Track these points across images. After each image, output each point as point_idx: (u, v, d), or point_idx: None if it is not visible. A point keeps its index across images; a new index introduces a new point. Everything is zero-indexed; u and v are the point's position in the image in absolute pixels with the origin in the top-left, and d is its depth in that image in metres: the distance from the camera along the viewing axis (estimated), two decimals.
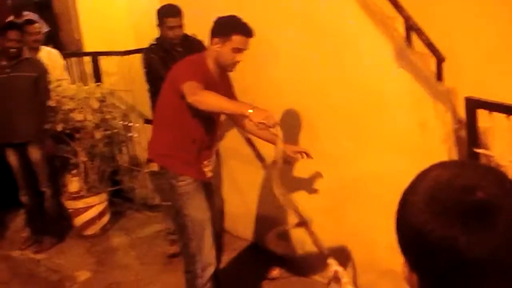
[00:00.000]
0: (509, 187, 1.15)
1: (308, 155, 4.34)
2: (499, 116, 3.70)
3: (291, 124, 4.94)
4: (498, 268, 1.11)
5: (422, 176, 1.20)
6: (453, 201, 1.12)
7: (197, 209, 4.13)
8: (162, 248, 6.01)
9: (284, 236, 5.18)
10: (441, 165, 1.23)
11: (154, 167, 4.21)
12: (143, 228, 6.64)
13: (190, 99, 3.78)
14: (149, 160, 4.25)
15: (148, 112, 6.31)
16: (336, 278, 4.14)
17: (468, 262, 1.10)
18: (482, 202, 1.10)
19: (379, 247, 4.50)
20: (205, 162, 4.23)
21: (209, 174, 4.28)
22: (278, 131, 3.87)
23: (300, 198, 4.86)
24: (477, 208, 1.10)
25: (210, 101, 3.81)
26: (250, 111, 3.66)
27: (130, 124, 7.02)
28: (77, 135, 6.46)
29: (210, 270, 4.17)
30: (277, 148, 3.94)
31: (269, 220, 5.38)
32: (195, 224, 4.11)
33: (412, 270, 1.19)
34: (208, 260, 4.16)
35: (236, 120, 4.49)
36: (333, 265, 4.23)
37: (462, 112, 3.96)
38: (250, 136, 5.12)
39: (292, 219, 5.13)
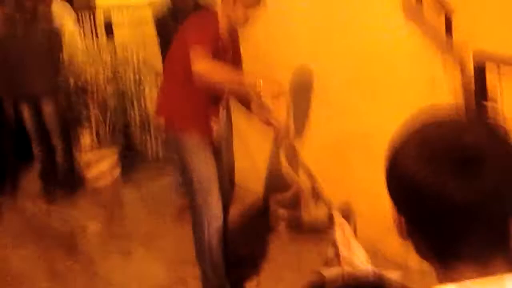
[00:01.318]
0: (497, 135, 1.18)
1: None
2: (507, 69, 3.69)
3: (301, 80, 4.94)
4: (485, 213, 1.14)
5: (412, 125, 1.24)
6: (442, 148, 1.15)
7: (203, 164, 4.14)
8: (173, 201, 6.05)
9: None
10: (430, 115, 1.25)
11: (162, 122, 4.23)
12: (155, 181, 6.68)
13: (197, 68, 3.74)
14: (156, 115, 4.26)
15: (160, 66, 6.30)
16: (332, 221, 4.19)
17: (455, 207, 1.13)
18: (470, 147, 1.14)
19: (384, 203, 4.50)
20: (213, 118, 4.23)
21: (217, 132, 4.28)
22: (286, 103, 3.93)
23: (307, 150, 4.88)
24: (465, 154, 1.13)
25: (214, 76, 3.80)
26: (259, 83, 3.71)
27: (142, 78, 7.01)
28: (89, 88, 6.47)
29: (217, 223, 4.20)
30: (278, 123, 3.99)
31: (279, 175, 5.40)
32: (202, 179, 4.13)
33: (401, 213, 1.23)
34: (214, 214, 4.18)
35: (241, 98, 4.43)
36: (336, 216, 4.28)
37: (470, 66, 3.95)
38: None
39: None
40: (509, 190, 1.16)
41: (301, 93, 4.99)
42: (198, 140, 4.13)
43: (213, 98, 4.18)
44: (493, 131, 1.19)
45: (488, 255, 1.16)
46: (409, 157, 1.18)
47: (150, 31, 6.08)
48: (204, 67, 3.74)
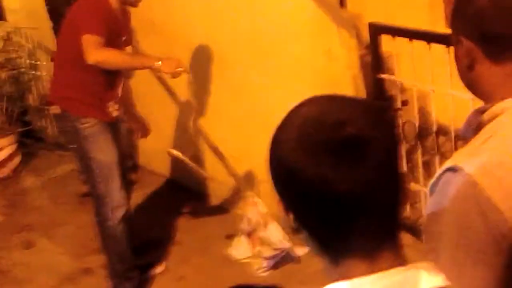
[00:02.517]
0: (377, 119, 1.12)
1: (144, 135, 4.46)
2: (402, 41, 3.72)
3: (201, 57, 4.86)
4: (371, 202, 1.08)
5: (293, 113, 1.16)
6: (323, 138, 1.08)
7: (102, 152, 4.02)
8: (75, 188, 5.88)
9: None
10: (311, 100, 1.18)
11: (57, 109, 4.09)
12: (55, 168, 6.48)
13: (90, 60, 3.64)
14: (50, 103, 4.12)
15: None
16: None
17: (338, 199, 1.07)
18: (351, 137, 1.07)
19: None
20: (111, 103, 4.10)
21: (115, 114, 4.16)
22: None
23: (211, 132, 4.83)
24: (346, 144, 1.07)
25: (111, 60, 3.74)
26: (158, 63, 3.63)
27: (38, 62, 6.79)
28: None
29: (121, 212, 4.10)
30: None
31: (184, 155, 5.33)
32: (102, 167, 4.02)
33: (288, 210, 1.16)
34: (117, 202, 4.08)
35: None
36: (250, 196, 4.26)
37: (366, 38, 3.96)
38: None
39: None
40: (394, 178, 1.11)
41: (201, 72, 4.92)
42: (95, 126, 3.99)
43: (110, 83, 4.06)
44: (373, 114, 1.13)
45: (376, 248, 1.10)
46: (289, 149, 1.11)
47: (45, 14, 5.90)
48: (97, 57, 3.64)
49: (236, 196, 4.94)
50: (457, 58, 1.49)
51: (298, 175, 1.09)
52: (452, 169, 1.35)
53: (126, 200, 4.20)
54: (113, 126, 4.17)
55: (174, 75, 3.77)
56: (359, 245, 1.10)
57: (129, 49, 4.34)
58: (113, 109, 4.12)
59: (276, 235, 4.16)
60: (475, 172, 1.31)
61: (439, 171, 1.40)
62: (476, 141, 1.40)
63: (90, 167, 4.05)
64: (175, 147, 5.59)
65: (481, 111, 1.44)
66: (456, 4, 1.49)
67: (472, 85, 1.49)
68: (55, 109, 4.08)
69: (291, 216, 1.16)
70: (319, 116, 1.12)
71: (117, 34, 3.90)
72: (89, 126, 3.97)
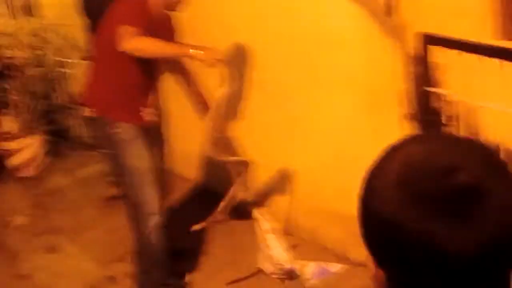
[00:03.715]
0: (496, 165, 0.94)
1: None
2: (450, 53, 3.53)
3: (240, 63, 4.71)
4: (486, 266, 0.90)
5: (391, 154, 0.99)
6: (430, 186, 0.91)
7: (135, 158, 3.88)
8: (103, 191, 5.76)
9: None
10: (414, 139, 1.01)
11: (90, 112, 3.96)
12: (82, 169, 6.36)
13: (125, 46, 3.51)
14: (83, 104, 3.98)
15: (85, 48, 6.01)
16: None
17: (448, 261, 0.89)
18: (464, 187, 0.89)
19: (325, 189, 4.35)
20: (147, 103, 3.98)
21: (150, 117, 4.02)
22: (226, 70, 3.73)
23: (245, 136, 4.68)
24: (459, 194, 0.89)
25: (147, 47, 3.60)
26: (194, 51, 3.51)
27: (66, 60, 6.66)
28: (8, 72, 6.11)
29: (154, 220, 3.96)
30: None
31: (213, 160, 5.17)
32: (135, 174, 3.88)
33: (379, 266, 0.99)
34: (151, 210, 3.94)
35: (175, 68, 4.22)
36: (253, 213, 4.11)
37: (412, 49, 3.78)
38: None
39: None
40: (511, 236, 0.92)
41: (241, 74, 4.77)
42: (129, 132, 3.85)
43: (147, 86, 3.95)
44: (490, 160, 0.95)
45: None
46: (387, 198, 0.94)
47: (73, 11, 5.77)
48: (132, 44, 3.51)
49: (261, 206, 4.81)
50: None
51: (397, 230, 0.92)
52: None
53: (162, 207, 4.06)
54: (150, 131, 4.03)
55: (210, 65, 3.62)
56: None
57: None
58: (148, 112, 3.98)
59: (278, 251, 4.01)
60: None
61: None
62: None
63: (122, 173, 3.93)
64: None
65: None
66: None
67: None
68: (88, 112, 3.92)
69: (382, 274, 0.99)
70: (424, 159, 0.94)
71: (155, 36, 3.77)
72: (122, 131, 3.84)
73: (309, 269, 4.05)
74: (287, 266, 3.95)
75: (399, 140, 1.01)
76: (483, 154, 0.96)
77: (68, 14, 6.35)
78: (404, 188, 0.93)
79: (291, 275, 4.00)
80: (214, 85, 4.48)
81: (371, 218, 0.98)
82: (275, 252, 3.99)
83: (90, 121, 3.98)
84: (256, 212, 4.10)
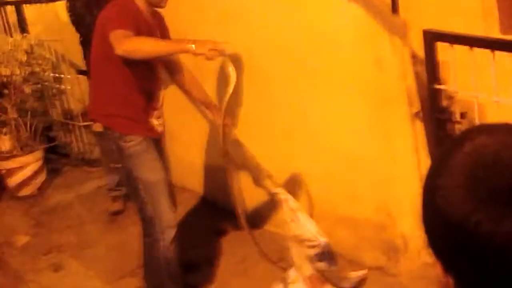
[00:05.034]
0: None
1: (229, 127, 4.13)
2: (459, 49, 3.46)
3: (236, 69, 4.62)
4: None
5: (455, 149, 0.90)
6: (503, 182, 0.83)
7: (149, 171, 3.80)
8: (104, 206, 5.69)
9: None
10: (480, 131, 0.92)
11: (99, 127, 3.88)
12: (83, 185, 6.28)
13: (120, 50, 3.40)
14: (92, 120, 3.89)
15: (80, 62, 5.95)
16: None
17: None
18: None
19: (335, 194, 4.28)
20: (155, 113, 3.90)
21: (160, 128, 3.95)
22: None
23: (250, 146, 4.59)
24: None
25: (142, 47, 3.49)
26: (192, 45, 3.39)
27: (62, 76, 6.60)
28: (5, 91, 6.03)
29: (171, 233, 3.88)
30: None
31: (216, 171, 5.09)
32: (149, 187, 3.80)
33: (449, 273, 0.91)
34: (167, 223, 3.86)
35: (172, 71, 4.13)
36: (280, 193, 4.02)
37: (419, 47, 3.71)
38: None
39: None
40: None
41: (236, 84, 4.68)
42: (140, 144, 3.78)
43: (150, 94, 3.87)
44: None
45: None
46: (457, 199, 0.86)
47: (68, 25, 5.70)
48: (126, 46, 3.40)
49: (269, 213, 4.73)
50: None
51: (469, 234, 0.83)
52: None
53: (176, 220, 3.98)
54: (157, 143, 3.95)
55: (209, 57, 3.48)
56: None
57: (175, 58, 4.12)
58: (158, 124, 3.91)
59: (309, 229, 3.90)
60: None
61: None
62: None
63: (136, 187, 3.83)
64: (206, 163, 5.38)
65: None
66: None
67: None
68: (97, 127, 3.84)
69: (451, 281, 0.90)
70: (495, 152, 0.86)
71: (149, 35, 3.69)
72: (134, 144, 3.76)
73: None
74: (323, 239, 3.85)
75: (462, 133, 0.94)
76: None
77: (59, 30, 6.31)
78: (475, 186, 0.85)
79: (328, 249, 3.89)
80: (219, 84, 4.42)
81: (438, 222, 0.89)
82: (310, 227, 3.89)
83: (100, 135, 3.88)
84: (282, 192, 4.00)
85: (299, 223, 3.89)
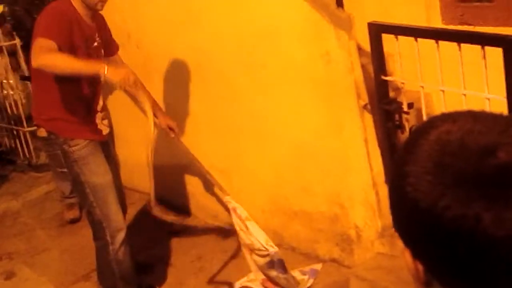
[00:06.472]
0: None
1: (175, 132, 4.19)
2: (404, 40, 3.51)
3: (179, 68, 4.61)
4: None
5: (421, 136, 0.92)
6: (469, 167, 0.85)
7: (95, 174, 3.78)
8: (54, 211, 5.63)
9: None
10: (444, 119, 0.94)
11: (43, 132, 3.82)
12: (31, 191, 6.19)
13: (35, 63, 3.32)
14: (37, 125, 3.84)
15: (23, 67, 5.88)
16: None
17: (495, 246, 0.83)
18: (506, 166, 0.84)
19: (287, 188, 4.29)
20: (98, 115, 3.86)
21: (106, 130, 3.91)
22: (142, 96, 3.64)
23: (197, 144, 4.58)
24: (503, 175, 0.83)
25: (57, 64, 3.34)
26: (104, 71, 3.26)
27: (4, 81, 6.49)
28: None
29: (121, 235, 3.87)
30: (147, 117, 3.68)
31: (164, 170, 5.06)
32: (96, 190, 3.77)
33: (416, 258, 0.93)
34: (116, 226, 3.85)
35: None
36: (228, 202, 4.06)
37: (365, 39, 3.75)
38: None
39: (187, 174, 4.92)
40: None
41: (184, 83, 4.67)
42: (86, 148, 3.74)
43: (92, 96, 3.82)
44: None
45: None
46: (423, 185, 0.87)
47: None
48: (41, 61, 3.31)
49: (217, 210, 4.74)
50: None
51: (436, 219, 0.85)
52: None
53: (124, 222, 3.97)
54: (104, 145, 3.91)
55: (121, 87, 3.37)
56: None
57: (117, 58, 4.08)
58: (103, 124, 3.87)
59: (258, 239, 3.94)
60: None
61: None
62: None
63: (84, 192, 3.80)
64: (156, 162, 5.35)
65: None
66: None
67: None
68: (41, 132, 3.79)
69: (420, 267, 0.92)
70: (460, 139, 0.88)
71: (85, 38, 3.66)
72: (79, 148, 3.72)
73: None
74: (273, 249, 3.88)
75: (426, 122, 0.95)
76: None
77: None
78: (441, 172, 0.86)
79: (277, 258, 3.93)
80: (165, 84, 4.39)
81: (406, 208, 0.91)
82: (259, 237, 3.92)
83: (45, 141, 3.83)
84: (231, 201, 4.03)
85: (248, 233, 3.92)
